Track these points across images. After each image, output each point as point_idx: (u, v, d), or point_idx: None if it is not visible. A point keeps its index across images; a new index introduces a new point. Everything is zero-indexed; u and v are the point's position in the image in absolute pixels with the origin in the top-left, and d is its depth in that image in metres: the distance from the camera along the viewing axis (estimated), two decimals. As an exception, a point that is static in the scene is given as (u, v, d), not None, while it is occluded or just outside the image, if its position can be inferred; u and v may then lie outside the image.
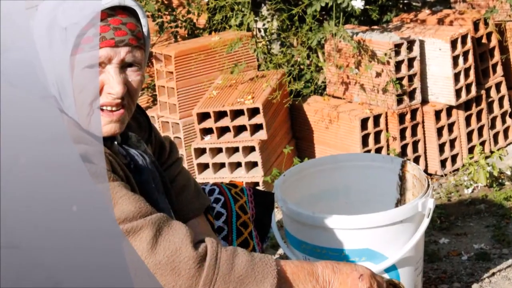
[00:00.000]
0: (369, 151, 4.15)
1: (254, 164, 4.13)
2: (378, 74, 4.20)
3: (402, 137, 4.22)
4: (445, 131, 4.27)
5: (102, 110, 1.99)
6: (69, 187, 1.80)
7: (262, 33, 4.72)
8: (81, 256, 1.79)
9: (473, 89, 4.28)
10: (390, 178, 3.13)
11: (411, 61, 4.18)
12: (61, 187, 1.80)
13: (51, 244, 1.78)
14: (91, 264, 1.80)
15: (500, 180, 4.05)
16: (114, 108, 2.00)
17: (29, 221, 1.78)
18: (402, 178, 3.11)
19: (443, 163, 4.29)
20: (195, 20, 4.89)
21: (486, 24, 4.37)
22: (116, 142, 2.10)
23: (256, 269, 1.94)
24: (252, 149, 4.12)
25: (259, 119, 4.09)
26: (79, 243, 1.79)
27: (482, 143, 4.40)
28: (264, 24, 4.72)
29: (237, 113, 4.15)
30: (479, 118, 4.39)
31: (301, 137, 4.47)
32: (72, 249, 1.79)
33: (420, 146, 4.27)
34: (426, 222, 2.81)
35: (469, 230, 3.66)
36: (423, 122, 4.26)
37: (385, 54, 4.10)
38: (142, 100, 4.80)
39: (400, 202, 3.14)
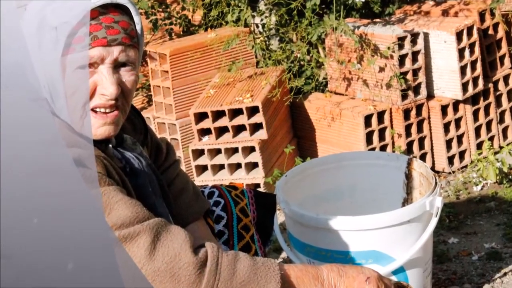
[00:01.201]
0: (373, 149, 4.16)
1: (255, 164, 4.13)
2: (381, 69, 4.20)
3: (408, 133, 4.22)
4: (452, 127, 4.27)
5: (95, 112, 1.99)
6: (63, 193, 1.80)
7: (260, 28, 4.72)
8: (75, 263, 1.79)
9: (480, 82, 4.28)
10: (396, 176, 3.13)
11: (415, 54, 4.18)
12: (54, 193, 1.80)
13: (43, 252, 1.78)
14: (85, 271, 1.80)
15: (510, 176, 4.05)
16: (108, 110, 2.00)
17: (21, 229, 1.78)
18: (408, 176, 3.11)
19: (450, 159, 4.29)
20: (190, 17, 4.89)
21: (493, 14, 4.37)
22: (110, 145, 2.10)
23: (259, 274, 1.94)
24: (252, 149, 4.12)
25: (258, 118, 4.09)
26: (73, 250, 1.79)
27: (491, 138, 4.40)
28: (262, 20, 4.72)
29: (235, 112, 4.15)
30: (487, 113, 4.39)
31: (302, 136, 4.47)
32: (66, 256, 1.78)
33: (427, 142, 4.27)
34: (434, 221, 2.81)
35: (479, 229, 3.65)
36: (429, 117, 4.26)
37: (388, 48, 4.10)
38: (137, 101, 4.79)
39: (406, 201, 3.14)
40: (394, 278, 2.73)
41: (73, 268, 1.79)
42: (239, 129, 4.16)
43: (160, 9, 4.84)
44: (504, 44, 4.42)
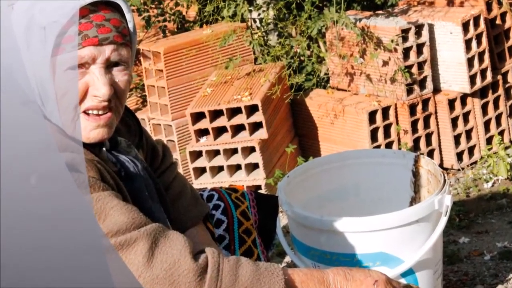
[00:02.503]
0: (378, 146, 4.16)
1: (255, 165, 4.13)
2: (385, 63, 4.20)
3: (414, 129, 4.23)
4: (460, 122, 4.27)
5: (88, 114, 1.99)
6: (55, 199, 1.80)
7: (258, 23, 4.73)
8: (69, 271, 1.79)
9: (489, 74, 4.28)
10: (403, 174, 3.13)
11: (420, 47, 4.18)
12: (46, 199, 1.80)
13: (37, 260, 1.78)
14: (78, 279, 1.80)
15: (522, 172, 4.06)
16: (100, 112, 2.00)
17: (13, 237, 1.78)
18: (415, 174, 3.11)
19: (459, 156, 4.29)
20: (184, 13, 4.89)
21: (500, 3, 4.37)
22: (104, 148, 2.10)
23: (262, 280, 1.94)
24: (252, 149, 4.12)
25: (258, 117, 4.09)
26: (66, 258, 1.79)
27: (501, 133, 4.40)
28: (259, 14, 4.72)
29: (234, 112, 4.15)
30: (496, 106, 4.39)
31: (304, 134, 4.47)
32: (59, 264, 1.79)
33: (434, 138, 4.27)
34: (443, 220, 2.81)
35: (490, 227, 3.66)
36: (436, 112, 4.26)
37: (392, 41, 4.10)
38: (131, 102, 4.79)
39: (414, 200, 3.14)
40: (403, 281, 2.73)
41: (69, 277, 1.79)
42: (238, 128, 4.16)
43: (153, 6, 4.84)
44: (512, 34, 4.42)
